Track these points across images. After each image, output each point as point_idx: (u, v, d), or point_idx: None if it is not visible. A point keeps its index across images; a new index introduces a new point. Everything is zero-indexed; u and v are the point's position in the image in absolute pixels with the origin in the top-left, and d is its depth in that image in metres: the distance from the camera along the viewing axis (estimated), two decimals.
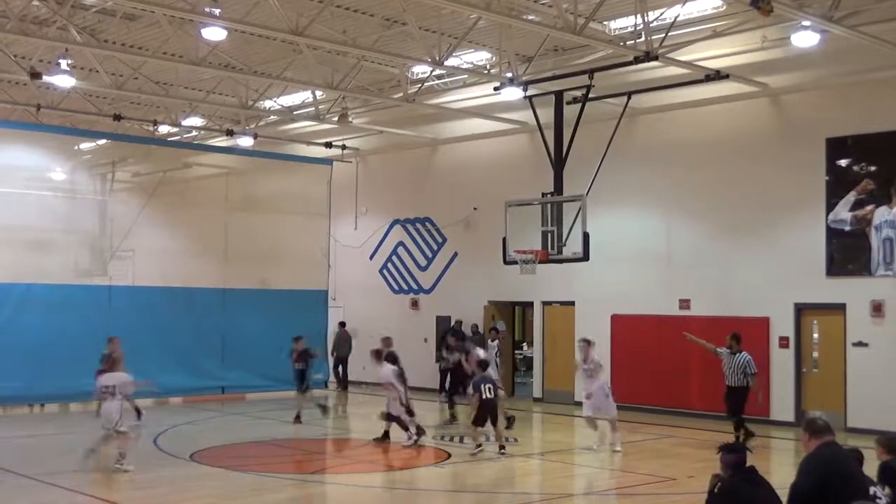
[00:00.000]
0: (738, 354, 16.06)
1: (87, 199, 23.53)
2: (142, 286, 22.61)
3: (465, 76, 22.43)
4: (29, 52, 20.04)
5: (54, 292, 21.12)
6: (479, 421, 15.07)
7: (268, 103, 25.27)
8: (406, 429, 16.00)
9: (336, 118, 24.65)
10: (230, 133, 25.68)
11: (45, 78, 19.66)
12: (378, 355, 16.88)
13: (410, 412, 16.14)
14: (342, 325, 25.47)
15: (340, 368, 25.27)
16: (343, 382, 25.22)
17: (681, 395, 19.81)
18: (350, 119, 24.98)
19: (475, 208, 23.83)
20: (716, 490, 7.13)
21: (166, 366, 20.69)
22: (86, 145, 25.53)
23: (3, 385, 19.43)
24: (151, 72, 21.86)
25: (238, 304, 23.50)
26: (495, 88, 19.68)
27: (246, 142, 25.96)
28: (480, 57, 21.83)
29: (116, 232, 23.55)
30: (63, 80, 19.90)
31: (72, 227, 22.77)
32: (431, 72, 21.43)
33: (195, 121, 26.58)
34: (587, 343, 16.27)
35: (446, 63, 18.92)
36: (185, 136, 28.34)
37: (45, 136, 22.86)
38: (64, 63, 19.29)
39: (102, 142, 25.00)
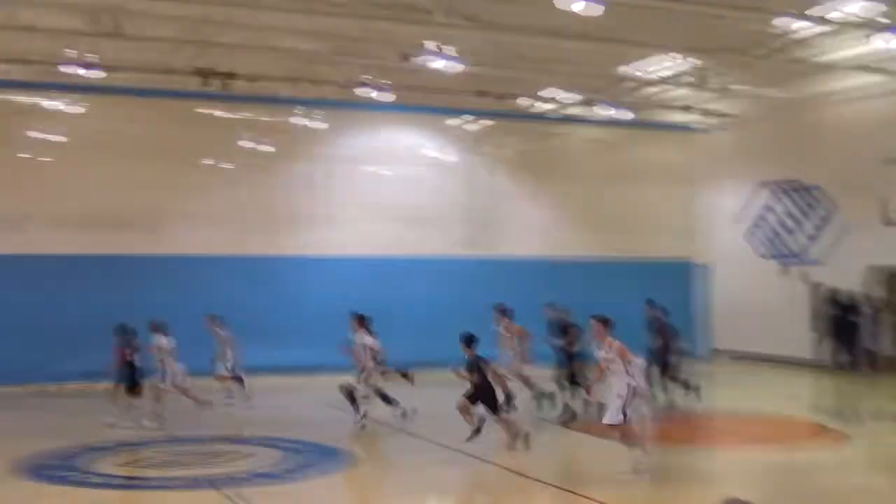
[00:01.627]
0: None
1: (461, 175, 24.78)
2: (512, 257, 23.46)
3: (846, 28, 20.90)
4: (400, 36, 21.17)
5: (434, 265, 22.55)
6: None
7: (632, 71, 25.07)
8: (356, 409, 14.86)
9: (702, 82, 23.99)
10: (593, 104, 25.82)
11: (416, 60, 20.71)
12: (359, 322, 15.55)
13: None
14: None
15: None
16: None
17: None
18: (716, 82, 24.21)
19: (852, 169, 22.29)
20: None
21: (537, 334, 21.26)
22: (458, 122, 26.67)
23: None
24: (515, 46, 22.38)
25: (605, 274, 23.71)
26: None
27: (610, 112, 25.98)
28: (858, 6, 20.23)
29: (489, 205, 24.61)
30: (433, 62, 20.89)
31: (448, 201, 24.16)
32: (804, 27, 20.22)
33: (559, 93, 26.95)
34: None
35: (821, 16, 17.76)
36: (551, 108, 28.83)
37: (421, 116, 24.35)
38: (433, 45, 20.23)
39: (480, 119, 26.04)
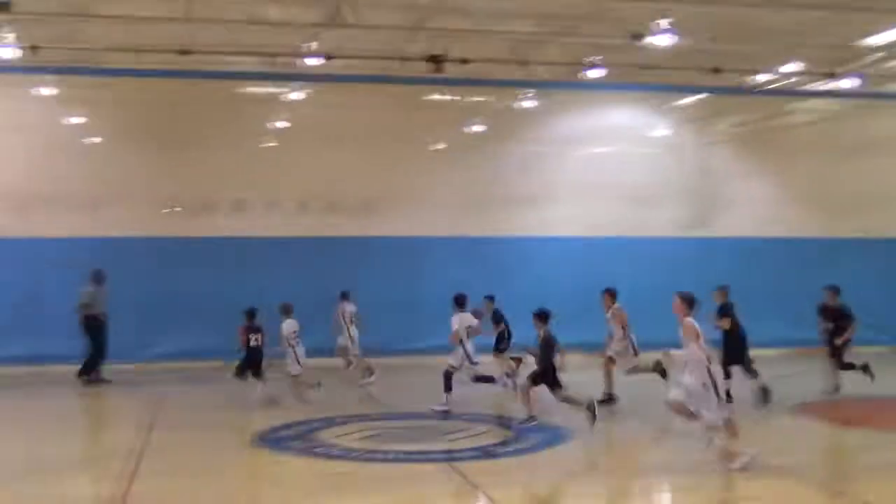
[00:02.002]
0: None
1: (681, 153, 24.25)
2: (741, 237, 22.81)
3: None
4: (623, 14, 20.82)
5: (652, 245, 22.27)
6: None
7: (873, 39, 23.61)
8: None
9: None
10: (831, 75, 24.52)
11: (641, 38, 20.29)
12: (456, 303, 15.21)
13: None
14: None
15: None
16: None
17: None
18: None
19: None
20: None
21: (765, 316, 20.47)
22: (679, 100, 26.06)
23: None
24: (748, 20, 21.57)
25: (839, 254, 22.69)
26: None
27: (849, 83, 24.58)
28: None
29: (710, 184, 24.01)
30: (663, 40, 20.40)
31: (668, 181, 23.73)
32: None
33: (787, 66, 25.75)
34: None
35: None
36: (784, 82, 27.61)
37: (641, 94, 23.90)
38: (664, 22, 19.76)
39: (700, 96, 25.40)
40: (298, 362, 15.90)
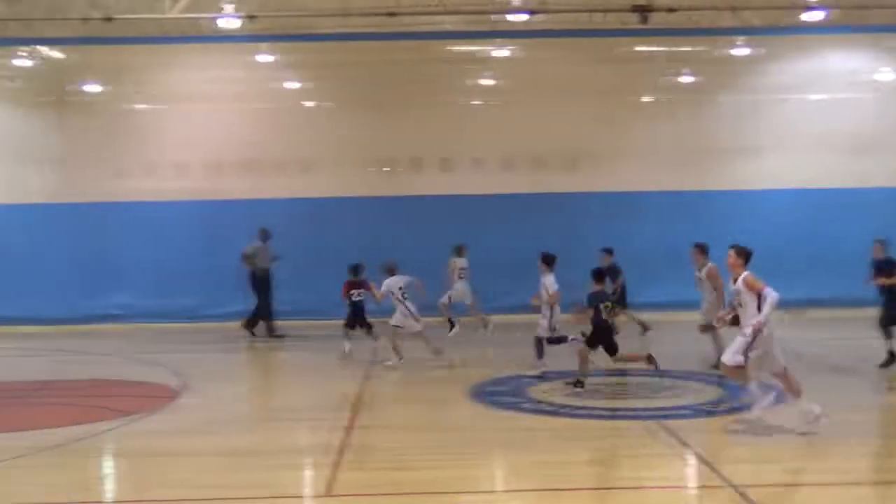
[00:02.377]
0: None
1: None
2: None
3: None
4: None
5: (874, 197, 21.25)
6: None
7: None
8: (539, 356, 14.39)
9: None
10: None
11: None
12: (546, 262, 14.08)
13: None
14: None
15: None
16: None
17: None
18: None
19: None
20: None
21: None
22: None
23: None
24: None
25: None
26: None
27: None
28: None
29: None
30: None
31: (888, 128, 22.30)
32: None
33: None
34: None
35: None
36: None
37: (862, 36, 22.44)
38: None
39: None
40: (408, 317, 15.80)
